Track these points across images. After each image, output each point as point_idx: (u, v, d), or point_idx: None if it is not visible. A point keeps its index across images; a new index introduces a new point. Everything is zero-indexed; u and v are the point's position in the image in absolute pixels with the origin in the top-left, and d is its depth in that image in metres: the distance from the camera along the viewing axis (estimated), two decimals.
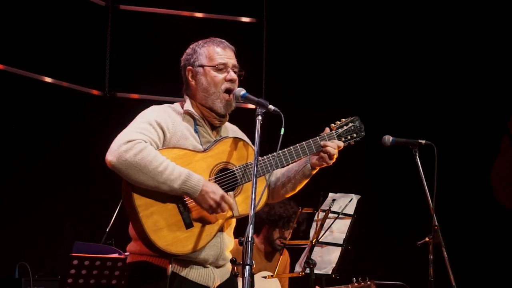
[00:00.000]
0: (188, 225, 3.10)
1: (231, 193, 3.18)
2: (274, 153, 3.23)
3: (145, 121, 3.15)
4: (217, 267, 3.28)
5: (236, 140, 3.30)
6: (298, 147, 3.32)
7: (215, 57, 3.31)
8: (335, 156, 3.35)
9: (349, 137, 3.44)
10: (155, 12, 7.48)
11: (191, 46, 3.40)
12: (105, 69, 7.15)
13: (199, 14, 7.59)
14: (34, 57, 6.60)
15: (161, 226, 3.05)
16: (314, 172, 3.41)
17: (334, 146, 3.33)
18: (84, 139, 6.55)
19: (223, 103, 3.29)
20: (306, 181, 3.44)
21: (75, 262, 4.45)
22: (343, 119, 3.47)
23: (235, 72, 3.33)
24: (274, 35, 7.70)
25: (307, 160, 3.38)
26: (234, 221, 3.37)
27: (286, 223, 5.43)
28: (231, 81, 3.30)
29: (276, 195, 3.52)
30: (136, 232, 3.10)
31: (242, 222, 3.32)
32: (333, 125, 3.44)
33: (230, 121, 3.48)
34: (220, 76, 3.29)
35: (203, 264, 3.21)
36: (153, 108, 3.27)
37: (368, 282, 5.40)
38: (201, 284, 3.20)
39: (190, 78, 3.33)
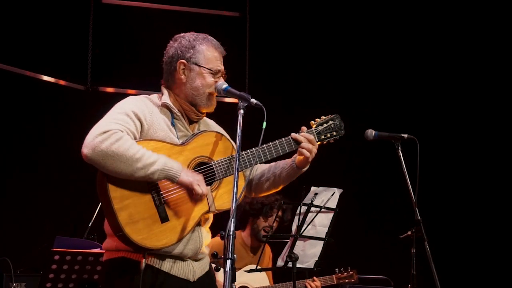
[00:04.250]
0: (164, 219, 3.06)
1: (208, 187, 3.15)
2: (253, 149, 3.23)
3: (122, 112, 3.09)
4: (196, 260, 3.26)
5: (215, 134, 3.28)
6: (277, 143, 3.31)
7: (213, 61, 3.29)
8: (314, 152, 3.33)
9: (328, 135, 3.44)
10: (137, 6, 7.45)
11: (186, 38, 3.33)
12: (87, 63, 7.12)
13: (182, 8, 7.57)
14: (16, 51, 6.56)
15: (136, 219, 3.01)
16: (300, 172, 3.40)
17: (305, 141, 3.31)
18: (65, 134, 6.51)
19: (211, 101, 3.29)
20: (291, 179, 3.44)
21: (57, 257, 4.43)
22: (323, 117, 3.47)
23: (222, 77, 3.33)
24: (257, 29, 7.69)
25: (294, 158, 3.38)
26: (211, 216, 3.34)
27: (269, 210, 5.48)
28: None
29: (259, 190, 3.51)
30: (111, 226, 3.06)
31: (225, 217, 3.31)
32: (312, 122, 3.44)
33: (211, 115, 3.46)
34: (213, 80, 3.28)
35: (182, 258, 3.18)
36: (130, 99, 3.22)
37: (351, 272, 5.47)
38: (181, 277, 3.18)
39: (180, 71, 3.28)
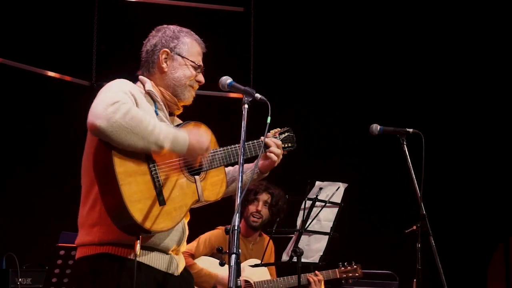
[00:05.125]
0: (161, 202, 2.96)
1: (197, 177, 3.12)
2: (231, 146, 3.25)
3: (120, 90, 2.97)
4: (177, 254, 3.22)
5: (202, 126, 3.24)
6: (250, 145, 3.32)
7: (196, 55, 3.29)
8: (280, 157, 3.40)
9: (286, 145, 3.49)
10: (142, 2, 7.44)
11: (171, 29, 3.33)
12: (92, 59, 7.12)
13: (187, 3, 7.56)
14: (21, 47, 6.57)
15: (138, 198, 2.88)
16: (262, 177, 3.47)
17: (274, 146, 3.38)
18: (70, 130, 6.52)
19: (191, 92, 3.29)
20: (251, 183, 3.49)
21: (62, 252, 4.45)
22: (279, 128, 3.53)
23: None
24: (262, 25, 7.69)
25: (256, 163, 3.37)
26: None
27: (254, 195, 5.51)
28: (199, 82, 3.31)
29: None
30: (109, 206, 2.90)
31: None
32: (272, 131, 3.50)
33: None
34: (194, 73, 3.27)
35: (165, 251, 3.12)
36: (123, 80, 3.12)
37: (355, 266, 5.45)
38: (167, 272, 3.13)
39: (162, 60, 3.25)
